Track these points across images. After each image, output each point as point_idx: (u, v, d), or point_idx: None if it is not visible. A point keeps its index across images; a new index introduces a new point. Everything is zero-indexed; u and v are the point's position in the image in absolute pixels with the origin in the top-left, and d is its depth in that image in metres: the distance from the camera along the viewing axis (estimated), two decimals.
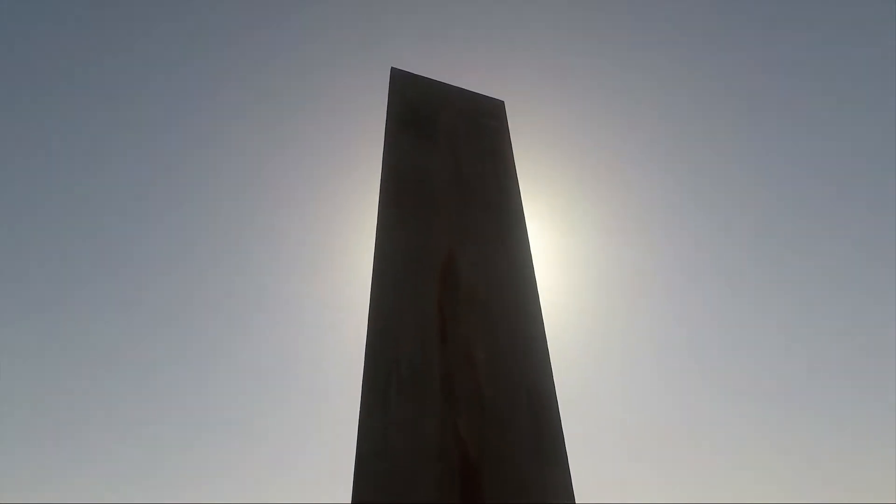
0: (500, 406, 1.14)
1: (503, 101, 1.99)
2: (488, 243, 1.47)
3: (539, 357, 1.27)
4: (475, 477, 1.02)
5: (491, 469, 1.05)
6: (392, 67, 1.93)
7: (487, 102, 1.97)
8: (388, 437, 1.03)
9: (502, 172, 1.71)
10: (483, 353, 1.22)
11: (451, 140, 1.74)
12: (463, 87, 2.00)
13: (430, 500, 0.97)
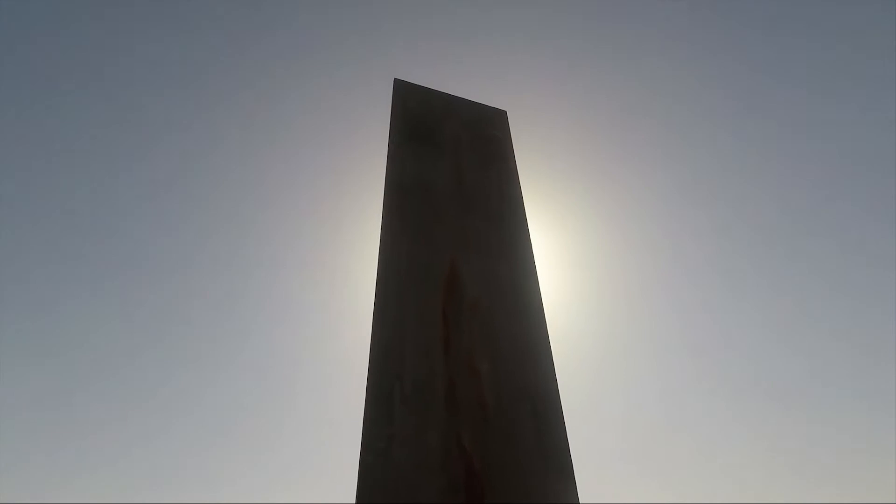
0: (505, 417, 1.14)
1: (506, 111, 2.00)
2: (492, 253, 1.47)
3: (543, 367, 1.27)
4: (479, 488, 1.02)
5: (495, 480, 1.04)
6: (395, 78, 1.94)
7: (490, 112, 1.97)
8: (391, 448, 1.03)
9: (505, 182, 1.71)
10: (487, 364, 1.21)
11: (454, 150, 1.75)
12: (466, 97, 2.01)
13: None
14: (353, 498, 1.00)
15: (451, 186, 1.61)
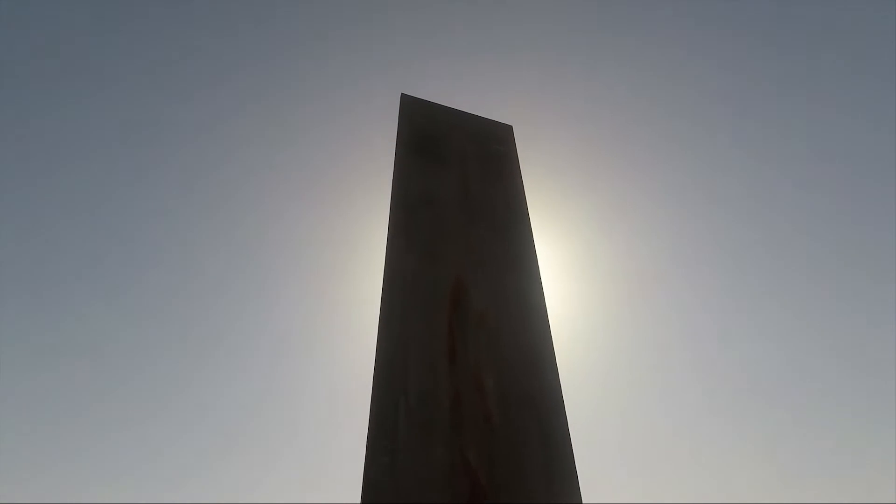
0: (510, 431, 1.14)
1: (511, 126, 2.01)
2: (498, 268, 1.47)
3: (549, 381, 1.27)
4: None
5: (501, 495, 1.04)
6: (402, 94, 1.96)
7: (496, 127, 1.99)
8: (396, 462, 1.02)
9: (511, 195, 1.72)
10: (492, 380, 1.21)
11: (460, 165, 1.76)
12: (472, 112, 2.03)
13: None
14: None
15: (458, 200, 1.62)
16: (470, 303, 1.35)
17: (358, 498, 0.98)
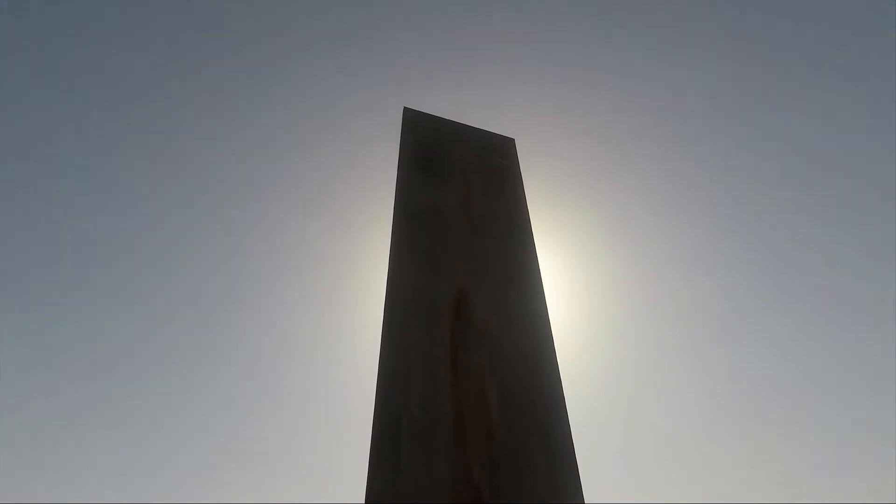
0: (514, 447, 1.12)
1: (514, 139, 2.02)
2: (501, 281, 1.47)
3: (553, 396, 1.25)
4: None
5: None
6: (405, 107, 1.97)
7: (499, 140, 1.99)
8: (398, 478, 1.01)
9: (514, 208, 1.72)
10: (496, 393, 1.20)
11: (462, 178, 1.76)
12: (474, 125, 2.03)
13: None
14: None
15: (460, 213, 1.62)
16: (473, 313, 1.34)
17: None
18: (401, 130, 1.87)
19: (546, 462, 1.12)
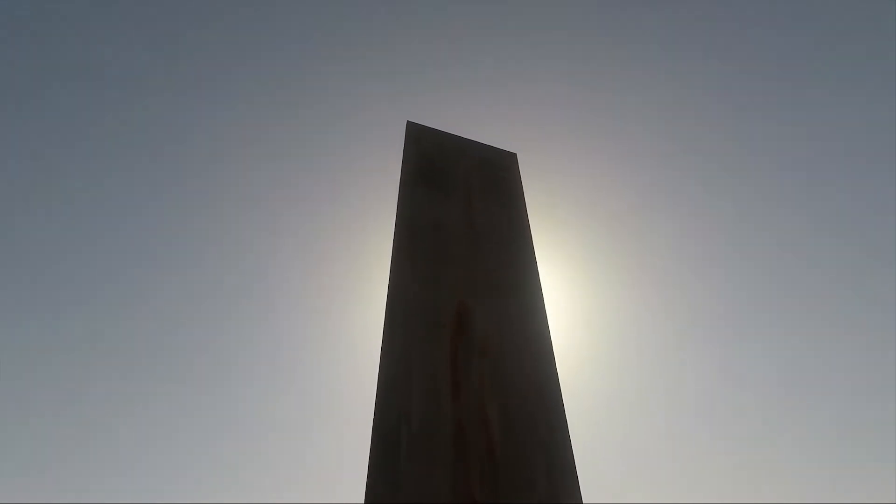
0: (515, 463, 1.11)
1: (516, 154, 2.02)
2: (502, 296, 1.46)
3: (554, 411, 1.24)
4: None
5: None
6: (408, 121, 1.98)
7: (501, 154, 2.00)
8: (396, 495, 1.00)
9: (516, 223, 1.72)
10: (496, 409, 1.19)
11: (464, 192, 1.76)
12: (476, 139, 2.04)
13: None
14: None
15: (462, 227, 1.62)
16: (474, 327, 1.34)
17: None
18: (404, 144, 1.88)
19: (546, 478, 1.11)
